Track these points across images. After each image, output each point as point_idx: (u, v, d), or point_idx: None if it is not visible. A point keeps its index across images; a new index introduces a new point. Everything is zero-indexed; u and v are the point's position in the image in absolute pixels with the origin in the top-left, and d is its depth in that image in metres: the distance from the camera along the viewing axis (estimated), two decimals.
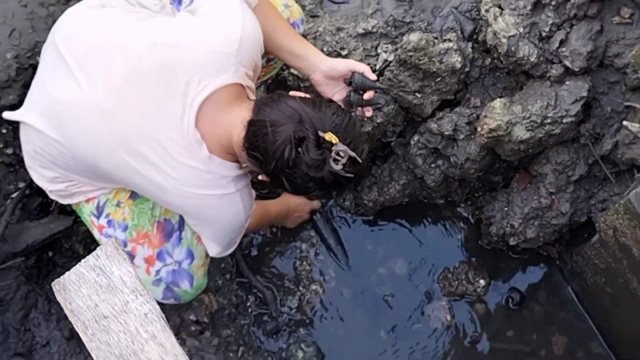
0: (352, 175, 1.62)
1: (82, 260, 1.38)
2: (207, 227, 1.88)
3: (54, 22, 1.99)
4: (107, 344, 1.35)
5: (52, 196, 1.98)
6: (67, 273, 1.37)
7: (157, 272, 1.97)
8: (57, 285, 1.38)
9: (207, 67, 1.65)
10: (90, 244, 2.34)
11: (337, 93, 1.97)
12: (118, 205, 1.93)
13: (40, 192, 2.15)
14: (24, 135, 1.89)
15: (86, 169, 1.82)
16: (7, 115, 1.88)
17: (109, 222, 1.95)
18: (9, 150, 2.18)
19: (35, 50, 2.09)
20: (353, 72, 1.95)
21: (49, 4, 2.19)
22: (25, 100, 1.87)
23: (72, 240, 2.36)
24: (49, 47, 1.82)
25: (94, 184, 1.91)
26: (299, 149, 1.57)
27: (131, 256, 1.94)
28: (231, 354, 2.38)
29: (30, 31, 2.11)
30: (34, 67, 2.06)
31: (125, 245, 1.95)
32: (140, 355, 1.34)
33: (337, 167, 1.58)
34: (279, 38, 1.94)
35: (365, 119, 2.14)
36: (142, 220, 1.93)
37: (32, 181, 2.06)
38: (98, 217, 1.95)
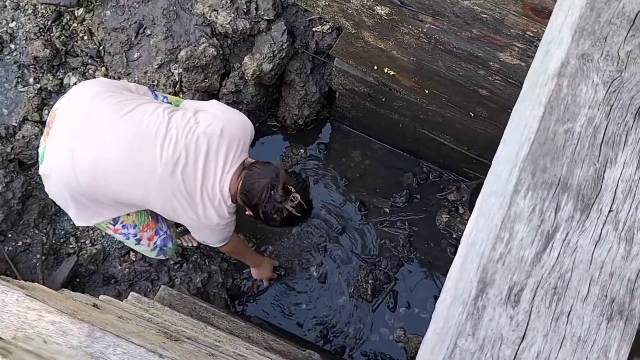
0: (299, 215, 2.08)
1: None
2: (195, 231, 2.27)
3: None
4: None
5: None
6: None
7: (155, 242, 2.37)
8: None
9: (238, 148, 2.09)
10: None
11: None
12: (128, 214, 2.29)
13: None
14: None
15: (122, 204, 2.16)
16: None
17: (124, 226, 2.29)
18: None
19: None
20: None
21: None
22: None
23: None
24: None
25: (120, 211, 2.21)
26: (272, 192, 2.01)
27: (139, 239, 2.33)
28: None
29: None
30: None
31: (135, 235, 2.31)
32: None
33: (291, 206, 2.02)
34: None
35: None
36: (143, 217, 2.32)
37: None
38: (114, 225, 2.28)
